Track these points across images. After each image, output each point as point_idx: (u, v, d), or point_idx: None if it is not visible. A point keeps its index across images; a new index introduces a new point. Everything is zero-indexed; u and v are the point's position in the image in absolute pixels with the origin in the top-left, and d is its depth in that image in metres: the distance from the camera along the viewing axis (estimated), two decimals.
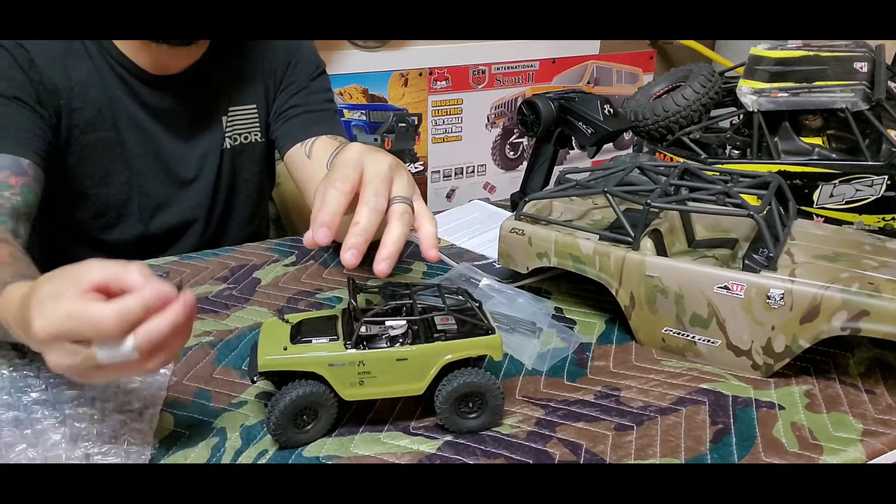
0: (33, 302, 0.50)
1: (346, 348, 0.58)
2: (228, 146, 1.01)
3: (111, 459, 0.57)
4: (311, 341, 0.58)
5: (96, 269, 0.50)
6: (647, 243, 0.71)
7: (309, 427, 0.59)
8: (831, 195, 0.94)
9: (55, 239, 0.98)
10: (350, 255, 0.58)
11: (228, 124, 1.00)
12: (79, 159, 0.91)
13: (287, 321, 0.61)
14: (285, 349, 0.58)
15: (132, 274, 0.49)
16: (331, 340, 0.58)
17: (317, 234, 0.59)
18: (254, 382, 0.59)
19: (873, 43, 1.04)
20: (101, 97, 0.90)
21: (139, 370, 0.51)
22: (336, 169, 0.62)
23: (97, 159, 0.92)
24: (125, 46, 0.89)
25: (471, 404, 0.60)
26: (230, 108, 0.99)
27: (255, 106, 1.01)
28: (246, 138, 1.02)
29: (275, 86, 1.01)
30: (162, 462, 0.58)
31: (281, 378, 0.59)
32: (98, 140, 0.91)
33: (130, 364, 0.50)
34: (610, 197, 0.74)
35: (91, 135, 0.90)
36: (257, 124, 1.02)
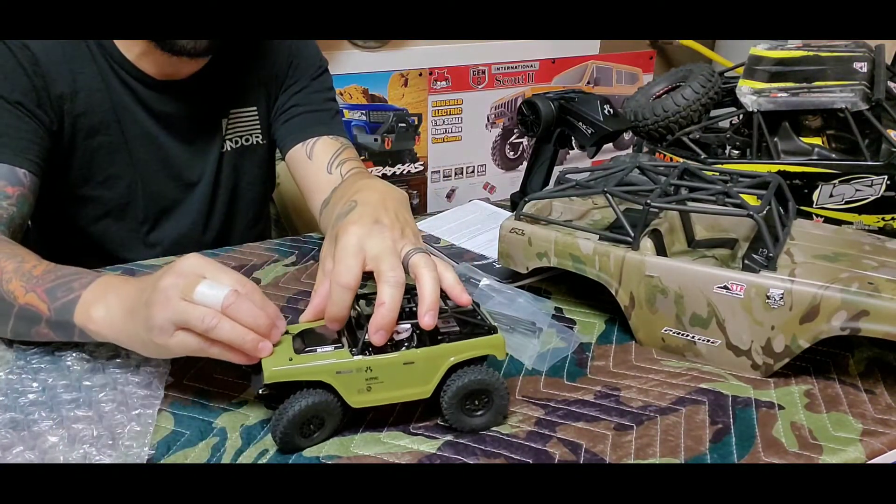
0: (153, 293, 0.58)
1: (353, 355, 0.57)
2: (229, 148, 1.00)
3: (109, 460, 0.57)
4: (315, 350, 0.58)
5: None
6: (646, 243, 0.71)
7: (315, 435, 0.59)
8: (831, 195, 0.94)
9: (56, 238, 0.98)
10: (379, 337, 0.57)
11: (229, 127, 0.99)
12: (82, 163, 0.91)
13: (287, 332, 0.61)
14: (291, 360, 0.57)
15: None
16: (336, 348, 0.58)
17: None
18: (259, 396, 0.59)
19: (873, 43, 1.04)
20: (107, 102, 0.89)
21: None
22: (339, 260, 0.61)
23: (100, 163, 0.92)
24: (130, 53, 0.88)
25: (477, 402, 0.60)
26: (231, 111, 0.99)
27: (255, 108, 1.01)
28: (247, 140, 1.02)
29: (277, 86, 1.01)
30: (162, 462, 0.58)
31: (283, 388, 0.58)
32: (101, 144, 0.91)
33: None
34: (610, 197, 0.74)
35: (95, 139, 0.90)
36: (258, 126, 1.02)
